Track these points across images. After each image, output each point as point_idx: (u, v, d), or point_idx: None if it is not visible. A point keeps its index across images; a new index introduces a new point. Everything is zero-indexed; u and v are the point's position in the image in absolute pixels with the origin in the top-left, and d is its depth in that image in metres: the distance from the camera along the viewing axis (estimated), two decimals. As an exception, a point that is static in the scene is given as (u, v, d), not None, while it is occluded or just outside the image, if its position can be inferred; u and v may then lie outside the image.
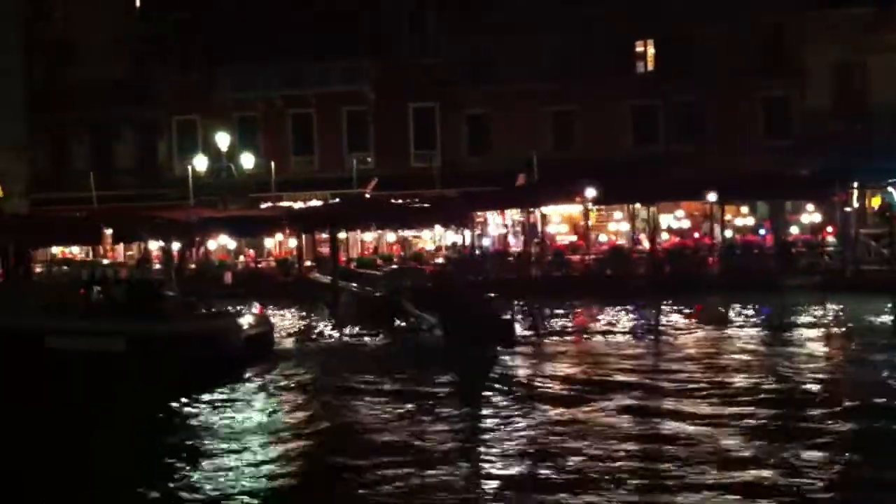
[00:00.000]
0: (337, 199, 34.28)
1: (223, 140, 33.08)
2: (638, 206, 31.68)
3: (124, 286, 17.78)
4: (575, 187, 28.55)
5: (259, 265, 32.68)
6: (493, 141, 36.17)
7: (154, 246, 34.42)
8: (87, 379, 15.46)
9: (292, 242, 33.47)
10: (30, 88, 40.76)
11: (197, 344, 16.36)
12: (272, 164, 36.31)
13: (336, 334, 21.66)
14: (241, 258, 33.48)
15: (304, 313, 26.38)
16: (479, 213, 31.40)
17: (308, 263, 30.84)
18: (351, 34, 37.19)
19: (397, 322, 21.82)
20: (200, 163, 33.40)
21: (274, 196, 36.83)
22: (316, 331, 22.72)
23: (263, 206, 35.66)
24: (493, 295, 19.05)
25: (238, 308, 18.09)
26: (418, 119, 37.20)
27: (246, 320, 17.41)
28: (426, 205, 29.29)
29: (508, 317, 18.99)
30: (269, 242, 34.26)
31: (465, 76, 36.24)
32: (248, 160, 33.82)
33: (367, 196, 35.60)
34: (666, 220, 32.66)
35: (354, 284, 25.18)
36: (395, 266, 26.65)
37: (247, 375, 16.30)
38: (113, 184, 39.39)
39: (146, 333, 16.49)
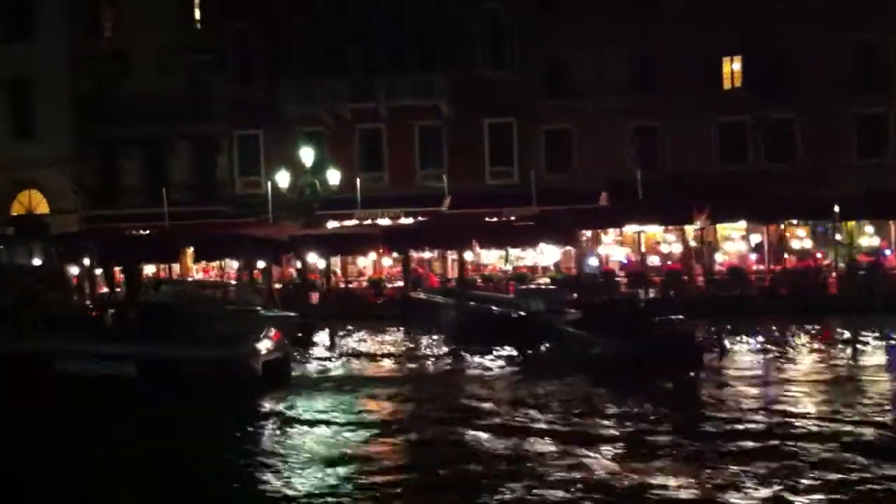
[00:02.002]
0: (420, 217, 33.10)
1: (307, 155, 31.74)
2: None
3: (139, 309, 17.16)
4: (690, 206, 27.54)
5: (350, 285, 31.32)
6: (573, 158, 35.24)
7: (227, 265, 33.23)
8: (96, 404, 14.76)
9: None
10: (78, 102, 39.26)
11: (212, 369, 15.60)
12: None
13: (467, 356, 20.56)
14: (330, 277, 32.10)
15: (413, 333, 25.24)
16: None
17: (400, 283, 29.63)
18: (424, 47, 36.18)
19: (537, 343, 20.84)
20: (283, 178, 32.00)
21: (340, 214, 35.57)
22: (441, 352, 21.53)
23: (347, 223, 34.38)
24: (680, 316, 17.91)
25: (258, 333, 16.85)
26: (494, 135, 36.15)
27: (264, 345, 16.53)
28: (530, 222, 28.12)
29: (699, 338, 17.87)
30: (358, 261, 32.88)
31: (543, 91, 35.35)
32: (334, 176, 32.48)
33: (445, 212, 34.53)
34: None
35: (473, 303, 24.14)
36: (531, 285, 25.44)
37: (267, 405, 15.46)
38: (167, 200, 37.98)
39: (159, 357, 15.74)
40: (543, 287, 24.37)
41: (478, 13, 36.02)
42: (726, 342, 19.15)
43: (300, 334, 22.98)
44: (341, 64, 36.40)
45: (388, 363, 20.91)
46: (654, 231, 31.14)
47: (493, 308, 22.76)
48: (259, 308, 23.56)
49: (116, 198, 38.44)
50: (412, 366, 20.21)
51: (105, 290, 25.27)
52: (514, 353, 20.66)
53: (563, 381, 17.30)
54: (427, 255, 31.47)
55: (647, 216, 29.51)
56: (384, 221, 35.13)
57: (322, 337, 23.88)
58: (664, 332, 17.91)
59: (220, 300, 23.43)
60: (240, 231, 30.94)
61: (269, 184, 33.32)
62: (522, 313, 21.97)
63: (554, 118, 35.36)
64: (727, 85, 34.42)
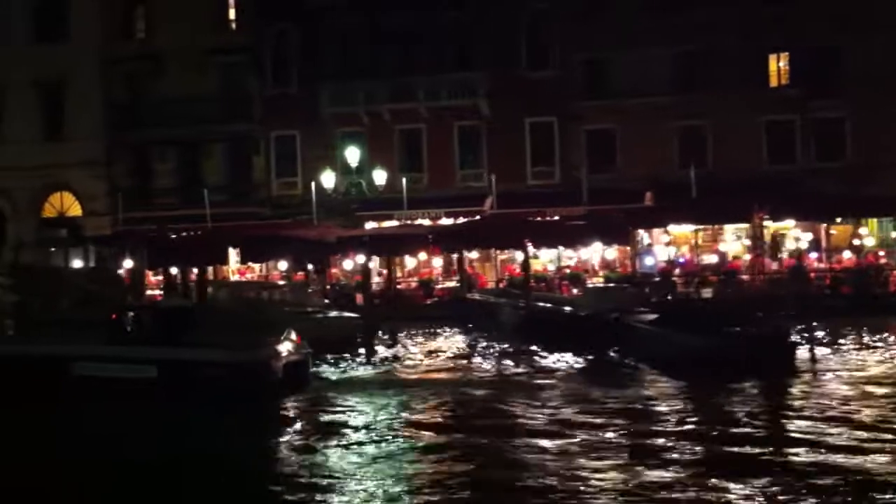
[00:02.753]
0: (461, 218, 32.61)
1: (352, 155, 31.27)
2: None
3: (157, 312, 17.23)
4: (747, 205, 27.07)
5: (398, 285, 30.83)
6: (616, 157, 34.77)
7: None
8: (115, 406, 14.81)
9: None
10: (110, 104, 38.83)
11: (233, 372, 15.38)
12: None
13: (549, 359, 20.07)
14: (377, 278, 31.57)
15: (472, 335, 24.76)
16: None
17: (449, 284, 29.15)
18: (463, 47, 35.75)
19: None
20: (328, 179, 31.52)
21: (379, 215, 35.09)
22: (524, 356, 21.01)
23: (387, 224, 33.92)
24: (780, 315, 17.44)
25: (278, 335, 16.61)
26: (535, 134, 35.68)
27: (285, 347, 16.30)
28: (582, 222, 27.67)
29: (793, 339, 17.42)
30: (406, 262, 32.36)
31: (584, 90, 34.91)
32: (379, 176, 32.00)
33: (490, 212, 34.08)
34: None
35: (542, 303, 23.72)
36: (599, 284, 24.95)
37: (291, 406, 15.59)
38: (202, 201, 37.50)
39: (180, 360, 15.58)
40: (614, 286, 23.84)
41: (520, 13, 35.54)
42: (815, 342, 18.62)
43: (360, 336, 22.60)
44: (379, 64, 35.95)
45: (453, 365, 20.48)
46: (708, 230, 30.64)
47: (560, 308, 22.29)
48: (318, 310, 23.24)
49: (150, 200, 37.96)
50: (484, 368, 19.77)
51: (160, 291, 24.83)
52: (587, 353, 20.21)
53: (649, 385, 16.92)
54: (474, 255, 30.95)
55: (701, 215, 29.02)
56: (424, 222, 34.69)
57: (382, 339, 23.44)
58: (758, 330, 17.47)
59: (278, 302, 23.08)
60: (282, 233, 30.41)
61: (313, 184, 32.83)
62: (591, 313, 21.52)
63: (596, 118, 34.89)
64: (774, 82, 34.04)
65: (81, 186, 39.23)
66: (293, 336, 16.73)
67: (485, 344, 23.14)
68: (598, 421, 13.56)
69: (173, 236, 31.58)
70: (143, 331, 16.55)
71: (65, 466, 11.99)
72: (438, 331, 26.04)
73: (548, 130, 35.61)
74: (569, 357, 20.19)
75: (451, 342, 24.09)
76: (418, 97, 35.61)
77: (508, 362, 20.29)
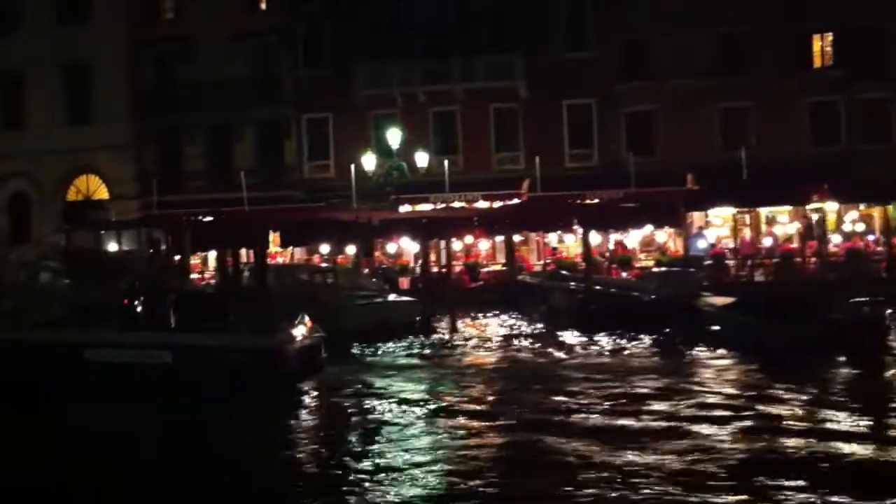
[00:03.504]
0: (498, 201, 32.17)
1: (394, 137, 30.76)
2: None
3: (172, 297, 16.78)
4: (804, 186, 26.67)
5: (442, 269, 30.36)
6: (656, 140, 34.31)
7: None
8: (130, 392, 14.68)
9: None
10: (138, 87, 38.23)
11: (249, 357, 15.16)
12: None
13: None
14: (420, 262, 31.13)
15: (528, 318, 24.35)
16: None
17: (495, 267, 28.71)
18: (499, 28, 35.19)
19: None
20: (369, 161, 31.02)
21: (414, 198, 34.57)
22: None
23: (421, 207, 33.43)
24: (868, 298, 17.05)
25: (293, 320, 16.31)
26: (573, 117, 35.18)
27: (300, 332, 16.03)
28: (633, 204, 27.25)
29: (888, 322, 17.05)
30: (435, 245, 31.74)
31: (623, 71, 34.42)
32: (421, 159, 31.51)
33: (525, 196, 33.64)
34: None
35: (600, 287, 23.33)
36: (663, 269, 24.53)
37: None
38: (232, 185, 37.00)
39: (196, 346, 15.34)
40: (681, 270, 23.43)
41: (558, -7, 35.05)
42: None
43: (419, 318, 22.21)
44: (414, 45, 35.43)
45: (517, 348, 20.08)
46: (749, 213, 30.21)
47: (626, 291, 21.89)
48: (378, 293, 22.83)
49: (179, 184, 37.38)
50: (550, 352, 19.30)
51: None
52: (658, 337, 19.82)
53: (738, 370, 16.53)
54: (516, 238, 30.49)
55: (753, 197, 28.60)
56: (460, 205, 34.24)
57: (440, 323, 23.04)
58: (849, 314, 17.08)
59: (333, 287, 22.66)
60: (323, 216, 29.96)
61: (352, 167, 32.32)
62: (660, 297, 21.13)
63: (635, 99, 34.44)
64: (817, 63, 33.58)
65: (108, 170, 38.66)
66: (307, 320, 16.55)
67: (541, 327, 22.75)
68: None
69: (208, 219, 30.95)
70: (158, 316, 16.26)
71: (76, 465, 11.56)
72: (490, 314, 25.58)
73: (586, 113, 35.14)
74: (639, 340, 19.83)
75: (508, 325, 23.65)
76: (454, 79, 35.10)
77: (576, 346, 19.89)
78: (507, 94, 35.12)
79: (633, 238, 31.47)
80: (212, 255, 30.53)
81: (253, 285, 22.74)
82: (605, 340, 20.06)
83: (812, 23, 33.24)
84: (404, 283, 28.76)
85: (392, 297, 22.90)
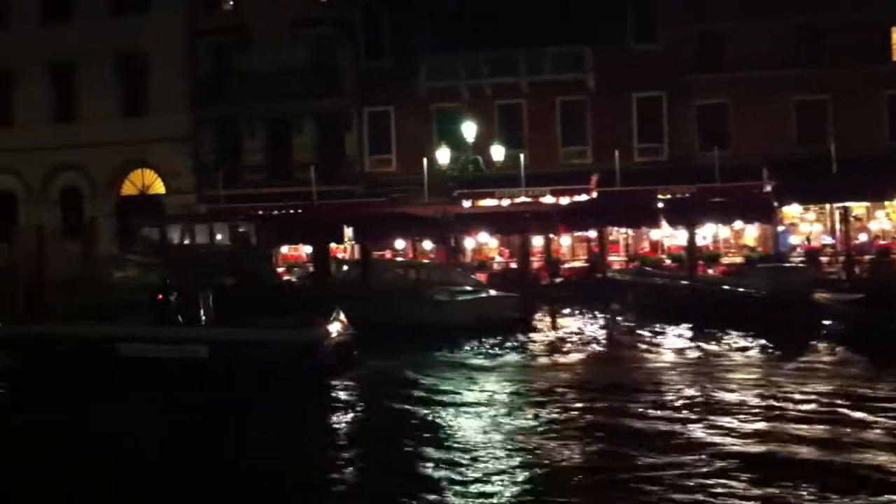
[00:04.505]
0: (565, 196, 31.48)
1: (470, 130, 30.10)
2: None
3: (208, 292, 16.64)
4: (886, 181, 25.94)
5: (522, 265, 29.72)
6: (729, 134, 33.54)
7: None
8: (164, 387, 14.57)
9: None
10: (195, 78, 37.62)
11: (284, 352, 14.97)
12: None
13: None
14: (498, 258, 30.51)
15: (620, 315, 23.69)
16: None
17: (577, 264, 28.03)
18: (567, 19, 34.44)
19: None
20: (443, 155, 30.36)
21: (481, 193, 33.87)
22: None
23: (484, 202, 32.79)
24: None
25: (328, 316, 16.17)
26: (642, 110, 34.45)
27: (334, 328, 15.84)
28: (721, 199, 26.54)
29: None
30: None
31: (695, 64, 33.65)
32: (499, 152, 30.86)
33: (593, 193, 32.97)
34: None
35: (685, 282, 22.67)
36: (768, 264, 23.82)
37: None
38: (291, 179, 36.41)
39: (232, 341, 15.25)
40: (791, 266, 22.75)
41: (628, -17, 34.31)
42: None
43: (518, 314, 21.57)
44: (478, 37, 34.69)
45: (621, 345, 19.41)
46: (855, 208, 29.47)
47: (733, 288, 21.21)
48: (478, 288, 22.24)
49: (238, 177, 36.74)
50: (658, 352, 18.61)
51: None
52: (772, 334, 19.12)
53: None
54: (592, 233, 29.82)
55: (846, 191, 27.84)
56: (524, 199, 33.55)
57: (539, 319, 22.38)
58: None
59: (431, 282, 22.07)
60: (398, 210, 29.35)
61: (424, 161, 31.69)
62: (766, 293, 20.45)
63: (707, 92, 33.68)
64: (896, 56, 32.83)
65: (164, 163, 38.10)
66: (341, 317, 16.31)
67: (635, 323, 22.07)
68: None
69: (274, 213, 30.39)
70: (193, 311, 16.12)
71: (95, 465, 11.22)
72: (574, 311, 24.88)
73: (656, 106, 34.39)
74: (749, 338, 19.16)
75: (601, 323, 22.96)
76: (520, 71, 34.42)
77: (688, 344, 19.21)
78: (574, 87, 34.42)
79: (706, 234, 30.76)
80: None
81: (355, 280, 22.16)
82: (723, 338, 19.40)
83: (890, 14, 32.45)
84: (481, 278, 28.04)
85: (492, 292, 22.24)
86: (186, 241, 23.49)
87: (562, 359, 18.15)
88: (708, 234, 30.70)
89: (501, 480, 9.85)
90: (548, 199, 33.52)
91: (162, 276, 19.27)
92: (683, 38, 33.78)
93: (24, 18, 39.06)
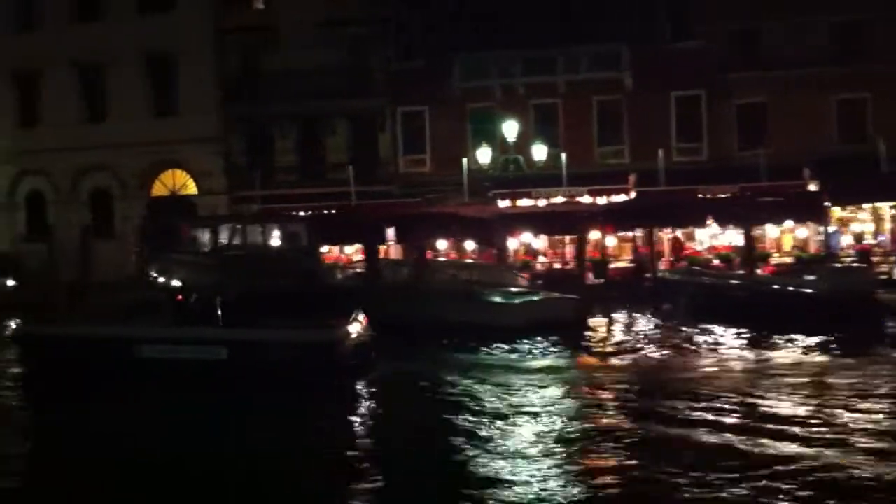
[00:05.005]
0: (602, 196, 31.19)
1: (511, 129, 29.81)
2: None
3: (226, 294, 16.54)
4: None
5: (566, 266, 29.48)
6: (769, 133, 33.18)
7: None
8: (184, 389, 14.54)
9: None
10: (225, 78, 37.32)
11: (304, 352, 14.97)
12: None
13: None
14: (542, 258, 30.21)
15: (672, 316, 23.32)
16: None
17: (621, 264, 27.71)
18: (602, 17, 34.09)
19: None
20: (484, 155, 30.06)
21: (518, 193, 33.49)
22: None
23: (522, 202, 32.47)
24: None
25: (347, 316, 15.89)
26: (681, 109, 34.12)
27: (354, 329, 15.58)
28: (772, 198, 26.21)
29: None
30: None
31: (733, 62, 33.29)
32: (540, 151, 30.56)
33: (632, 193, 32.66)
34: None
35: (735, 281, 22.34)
36: (833, 264, 23.52)
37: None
38: (324, 180, 36.12)
39: (252, 341, 15.10)
40: (855, 266, 22.42)
41: (663, -20, 33.99)
42: None
43: (576, 316, 21.24)
44: (513, 35, 34.34)
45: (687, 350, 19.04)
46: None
47: (798, 289, 20.86)
48: (533, 290, 21.96)
49: (270, 178, 36.43)
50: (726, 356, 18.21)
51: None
52: (841, 335, 18.76)
53: None
54: (636, 233, 29.52)
55: (888, 191, 27.49)
56: (559, 200, 33.26)
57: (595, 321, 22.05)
58: None
59: (485, 283, 21.77)
60: (441, 211, 29.07)
61: (464, 161, 31.40)
62: (827, 293, 20.10)
63: (747, 91, 33.36)
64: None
65: (195, 164, 37.84)
66: (361, 318, 16.06)
67: (690, 325, 21.69)
68: None
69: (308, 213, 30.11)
70: (212, 312, 15.93)
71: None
72: (629, 313, 24.45)
73: (694, 104, 34.06)
74: (812, 339, 18.80)
75: (656, 324, 22.63)
76: (556, 70, 34.12)
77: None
78: (611, 86, 34.10)
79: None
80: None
81: (406, 280, 21.88)
82: (786, 340, 19.05)
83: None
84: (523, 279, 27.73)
85: (549, 293, 21.93)
86: (238, 242, 23.20)
87: (621, 361, 17.78)
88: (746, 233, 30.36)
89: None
90: (585, 199, 33.21)
91: (219, 277, 19.08)
92: (721, 36, 33.43)
93: (51, 18, 38.81)
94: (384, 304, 20.10)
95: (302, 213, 30.30)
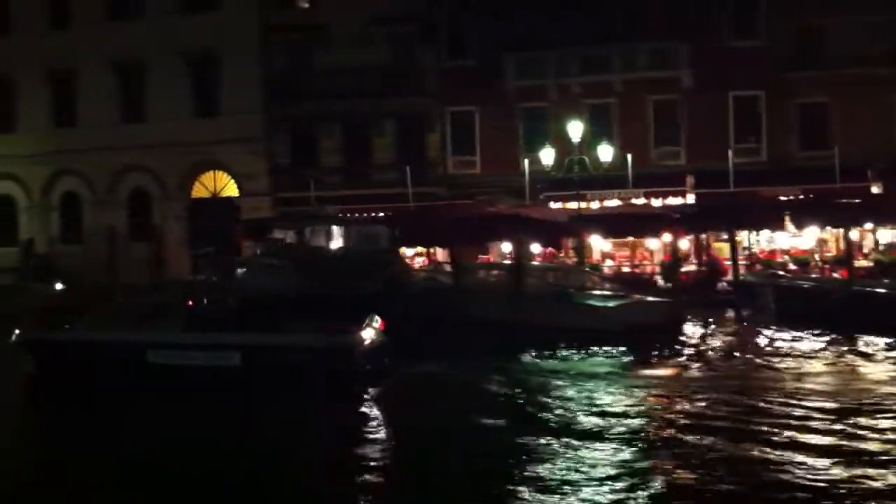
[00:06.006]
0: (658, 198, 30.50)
1: (575, 129, 29.06)
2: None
3: (236, 299, 16.60)
4: None
5: (635, 269, 28.69)
6: (831, 133, 32.44)
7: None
8: (198, 395, 14.32)
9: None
10: (269, 78, 36.51)
11: (319, 358, 14.70)
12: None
13: None
14: (610, 262, 29.43)
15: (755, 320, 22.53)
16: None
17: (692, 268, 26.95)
18: (661, 13, 33.32)
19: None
20: (547, 156, 29.30)
21: (563, 196, 32.69)
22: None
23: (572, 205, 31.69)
24: None
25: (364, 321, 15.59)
26: (739, 108, 33.37)
27: (368, 334, 15.26)
28: (845, 200, 25.44)
29: None
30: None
31: (795, 61, 32.60)
32: (605, 152, 29.82)
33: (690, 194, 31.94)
34: None
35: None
36: None
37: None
38: (371, 181, 35.35)
39: (266, 346, 14.79)
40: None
41: (724, -22, 33.24)
42: None
43: (669, 319, 20.43)
44: (567, 33, 33.61)
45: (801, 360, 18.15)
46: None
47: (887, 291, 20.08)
48: (624, 293, 21.18)
49: (312, 178, 35.52)
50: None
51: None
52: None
53: None
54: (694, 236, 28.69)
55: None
56: (613, 202, 32.51)
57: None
58: None
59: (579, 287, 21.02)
60: (504, 212, 28.29)
61: (526, 162, 30.65)
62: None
63: (808, 90, 32.64)
64: None
65: (237, 165, 37.02)
66: (376, 322, 15.70)
67: (785, 330, 20.89)
68: None
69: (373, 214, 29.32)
70: (225, 316, 15.86)
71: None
72: (716, 317, 23.58)
73: (754, 104, 33.34)
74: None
75: (749, 329, 21.79)
76: (614, 69, 33.37)
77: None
78: (668, 85, 33.37)
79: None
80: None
81: (495, 283, 21.12)
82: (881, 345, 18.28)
83: None
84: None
85: (641, 296, 21.14)
86: (322, 244, 22.42)
87: (727, 370, 16.91)
88: (812, 237, 29.67)
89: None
90: (638, 202, 32.50)
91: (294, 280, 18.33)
92: (784, 34, 32.70)
93: (86, 16, 38.02)
94: (467, 306, 19.41)
95: (381, 214, 29.53)
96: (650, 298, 20.85)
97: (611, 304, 19.83)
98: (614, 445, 11.17)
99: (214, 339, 15.12)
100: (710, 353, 18.85)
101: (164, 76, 37.14)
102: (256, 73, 36.49)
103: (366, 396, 14.59)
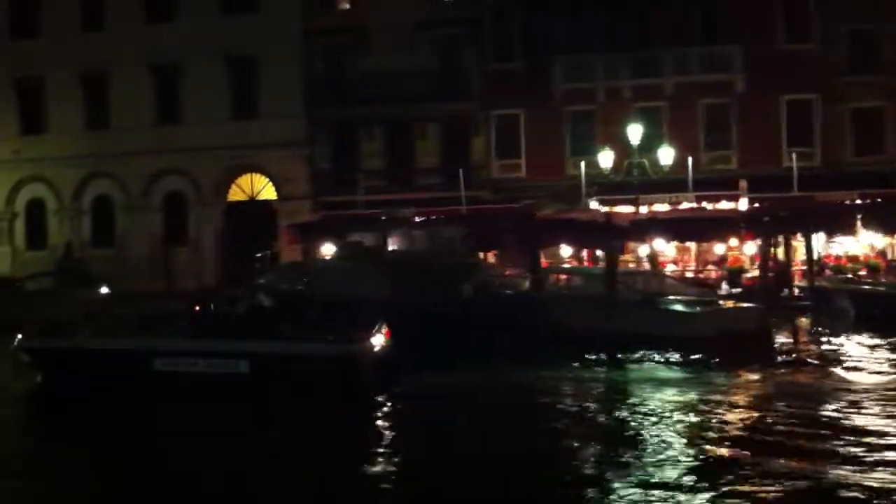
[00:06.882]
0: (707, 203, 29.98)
1: (635, 132, 28.54)
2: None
3: (244, 304, 16.08)
4: None
5: (699, 274, 28.13)
6: (886, 138, 32.00)
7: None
8: (204, 403, 14.13)
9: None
10: (310, 81, 35.93)
11: (327, 366, 14.41)
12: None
13: None
14: (673, 266, 28.86)
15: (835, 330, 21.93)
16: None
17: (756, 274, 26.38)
18: (712, 16, 32.89)
19: None
20: (606, 159, 28.76)
21: (612, 200, 32.12)
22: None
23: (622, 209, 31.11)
24: None
25: (370, 329, 15.22)
26: (793, 113, 32.87)
27: (377, 341, 14.93)
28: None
29: None
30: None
31: (849, 65, 32.17)
32: (666, 155, 29.30)
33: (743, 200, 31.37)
34: None
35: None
36: None
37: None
38: (414, 185, 34.76)
39: (274, 354, 14.61)
40: None
41: (778, -19, 32.78)
42: None
43: (758, 325, 19.81)
44: (616, 35, 33.13)
45: None
46: None
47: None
48: (711, 298, 20.61)
49: (354, 182, 34.90)
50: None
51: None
52: None
53: None
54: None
55: None
56: (661, 207, 31.94)
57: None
58: None
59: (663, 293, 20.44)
60: (563, 216, 27.69)
61: (582, 164, 30.08)
62: None
63: (862, 95, 32.17)
64: None
65: (276, 168, 36.41)
66: (384, 330, 15.33)
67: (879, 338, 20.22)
68: None
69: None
70: (232, 323, 15.39)
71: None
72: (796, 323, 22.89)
73: (807, 109, 32.82)
74: None
75: (835, 338, 21.10)
76: (665, 72, 32.84)
77: None
78: (720, 89, 32.86)
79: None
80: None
81: (577, 289, 20.54)
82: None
83: None
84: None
85: (727, 302, 20.57)
86: (401, 249, 21.84)
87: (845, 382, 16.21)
88: (880, 242, 29.15)
89: None
90: (686, 206, 31.89)
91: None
92: (838, 38, 32.26)
93: (123, 18, 37.51)
94: (549, 313, 18.84)
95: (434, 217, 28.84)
96: (738, 304, 20.25)
97: (698, 309, 19.23)
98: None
99: (222, 347, 14.88)
100: (813, 361, 18.13)
101: (201, 78, 36.59)
102: (296, 76, 35.92)
103: (383, 407, 14.25)
